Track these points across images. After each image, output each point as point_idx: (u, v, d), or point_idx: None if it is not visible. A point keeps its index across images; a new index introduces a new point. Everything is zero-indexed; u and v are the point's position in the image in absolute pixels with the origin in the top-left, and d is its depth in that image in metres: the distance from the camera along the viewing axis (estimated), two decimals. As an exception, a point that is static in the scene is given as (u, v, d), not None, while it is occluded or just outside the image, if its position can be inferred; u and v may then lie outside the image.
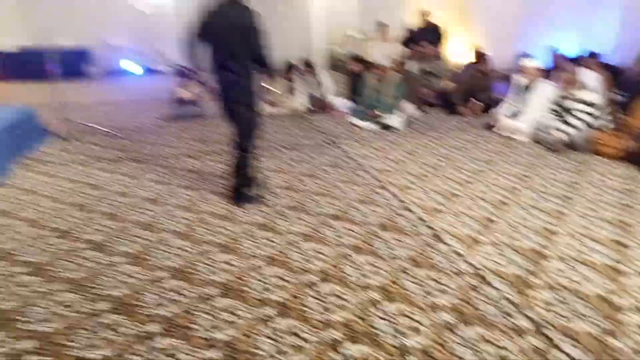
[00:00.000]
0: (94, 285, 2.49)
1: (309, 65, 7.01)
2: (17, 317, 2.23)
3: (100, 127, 5.85)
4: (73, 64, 10.78)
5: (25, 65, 10.45)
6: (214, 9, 3.22)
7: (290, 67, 7.07)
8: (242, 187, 3.52)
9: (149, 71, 11.93)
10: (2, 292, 2.44)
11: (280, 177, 4.14)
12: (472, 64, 6.77)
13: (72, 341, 2.06)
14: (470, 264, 2.63)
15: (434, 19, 8.17)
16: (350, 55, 7.94)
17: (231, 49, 3.20)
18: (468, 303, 2.27)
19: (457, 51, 8.98)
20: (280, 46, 12.54)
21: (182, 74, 6.82)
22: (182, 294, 2.39)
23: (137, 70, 11.82)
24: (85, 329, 2.14)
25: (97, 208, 3.52)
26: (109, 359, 1.95)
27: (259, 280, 2.51)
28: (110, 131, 5.75)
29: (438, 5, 8.72)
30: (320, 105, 6.81)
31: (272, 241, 2.95)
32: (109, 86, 10.13)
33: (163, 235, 3.05)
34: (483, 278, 2.49)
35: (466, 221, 3.19)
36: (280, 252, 2.81)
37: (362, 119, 5.93)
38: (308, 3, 10.92)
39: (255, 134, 3.47)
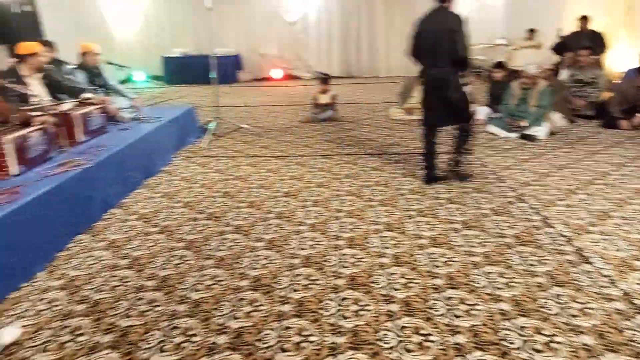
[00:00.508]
0: (236, 265, 2.76)
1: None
2: (176, 284, 2.57)
3: (247, 126, 6.40)
4: (227, 70, 11.98)
5: (187, 70, 11.89)
6: (425, 16, 3.83)
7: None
8: (454, 168, 4.14)
9: (291, 77, 12.71)
10: (164, 262, 2.83)
11: (410, 182, 4.13)
12: (637, 73, 6.02)
13: (217, 309, 2.31)
14: (621, 289, 2.36)
15: (593, 25, 7.44)
16: (492, 62, 7.58)
17: (439, 50, 3.72)
18: (615, 329, 2.05)
19: (619, 59, 8.05)
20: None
21: (323, 79, 7.15)
22: (313, 281, 2.53)
23: (280, 75, 12.66)
24: (228, 301, 2.38)
25: (241, 197, 3.87)
26: (247, 330, 2.15)
27: (337, 258, 2.57)
28: (256, 130, 6.27)
29: (599, 10, 7.93)
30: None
31: (399, 241, 2.97)
32: (256, 90, 10.99)
33: (299, 228, 3.26)
34: (633, 304, 2.22)
35: (619, 243, 2.87)
36: (406, 252, 2.82)
37: (502, 127, 5.64)
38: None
39: (470, 115, 4.02)
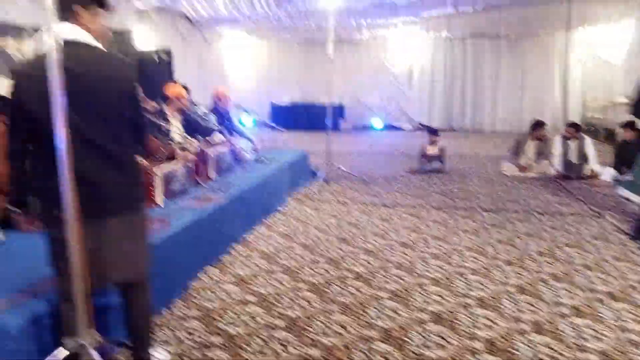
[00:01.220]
0: (362, 313, 2.71)
1: (575, 128, 6.52)
2: (305, 326, 2.58)
3: (354, 174, 6.49)
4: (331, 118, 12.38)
5: (294, 117, 12.47)
6: None
7: (537, 126, 6.74)
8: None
9: (391, 127, 12.81)
10: (291, 303, 2.86)
11: (536, 243, 3.88)
12: None
13: (349, 358, 2.27)
14: None
15: None
16: (621, 122, 7.08)
17: None
18: None
19: None
20: (528, 103, 11.91)
21: (432, 131, 7.10)
22: (447, 342, 2.41)
23: (380, 125, 12.81)
24: (360, 351, 2.33)
25: (357, 244, 3.86)
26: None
27: (469, 318, 2.41)
28: (364, 178, 6.33)
29: None
30: (577, 172, 6.22)
31: (536, 306, 2.76)
32: (358, 139, 11.18)
33: (422, 281, 3.16)
34: None
35: None
36: (546, 319, 2.60)
37: (636, 192, 5.16)
38: (567, 63, 10.25)
39: None
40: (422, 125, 12.63)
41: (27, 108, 1.70)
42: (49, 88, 1.60)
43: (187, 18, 10.19)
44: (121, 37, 7.33)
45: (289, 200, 5.23)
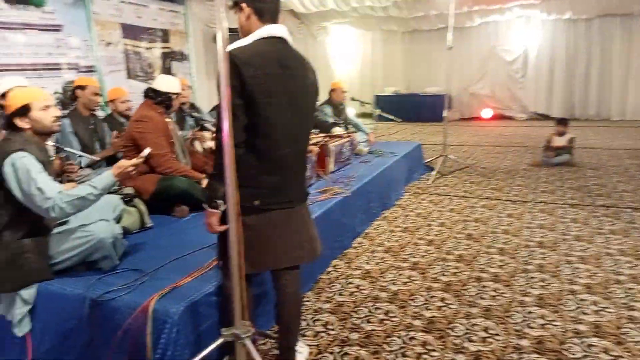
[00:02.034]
0: (508, 319, 2.48)
1: None
2: (446, 329, 2.42)
3: (472, 167, 6.13)
4: (435, 109, 11.94)
5: (398, 108, 12.18)
6: None
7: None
8: None
9: (501, 117, 12.01)
10: (425, 302, 2.71)
11: None
12: None
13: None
14: None
15: None
16: None
17: None
18: None
19: None
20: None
21: (561, 121, 6.48)
22: (612, 357, 2.11)
23: (489, 115, 12.07)
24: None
25: (487, 242, 3.60)
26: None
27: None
28: (482, 171, 5.96)
29: None
30: None
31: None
32: (467, 130, 10.64)
33: (572, 287, 2.84)
34: None
35: None
36: None
37: None
38: None
39: None
40: (538, 114, 11.69)
41: (251, 95, 1.67)
42: (271, 79, 1.70)
43: (294, 13, 10.37)
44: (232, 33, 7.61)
45: (405, 193, 5.06)
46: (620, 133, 9.00)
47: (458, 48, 12.13)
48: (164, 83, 3.29)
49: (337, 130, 4.67)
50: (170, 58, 6.91)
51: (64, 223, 2.26)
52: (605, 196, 4.72)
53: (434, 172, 5.73)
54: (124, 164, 2.12)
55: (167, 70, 6.86)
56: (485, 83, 12.04)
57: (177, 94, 3.34)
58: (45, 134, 2.18)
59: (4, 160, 1.98)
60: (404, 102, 12.12)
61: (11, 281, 2.01)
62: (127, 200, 2.67)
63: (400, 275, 3.07)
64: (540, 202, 4.60)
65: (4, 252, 2.02)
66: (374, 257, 3.38)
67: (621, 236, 3.61)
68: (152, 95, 3.26)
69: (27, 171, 1.96)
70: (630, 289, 2.77)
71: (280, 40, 1.79)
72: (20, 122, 2.12)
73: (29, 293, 2.03)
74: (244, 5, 1.78)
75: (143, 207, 2.74)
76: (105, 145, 3.85)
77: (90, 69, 5.59)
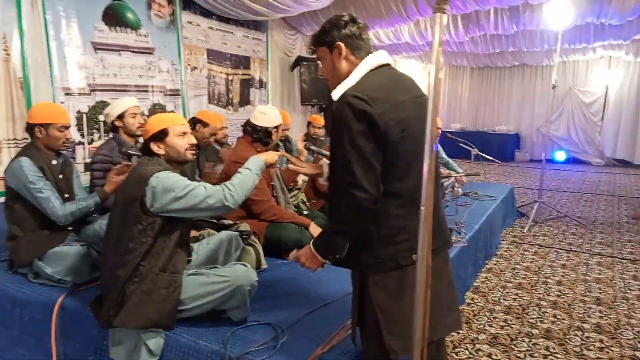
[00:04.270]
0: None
1: None
2: None
3: (569, 216, 5.63)
4: (504, 149, 11.43)
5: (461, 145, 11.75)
6: None
7: None
8: None
9: (575, 161, 11.34)
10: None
11: None
12: None
13: None
14: None
15: None
16: None
17: None
18: None
19: None
20: None
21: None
22: None
23: (563, 158, 11.43)
24: None
25: (622, 309, 3.13)
26: None
27: None
28: (580, 221, 5.46)
29: None
30: None
31: None
32: (539, 173, 10.03)
33: None
34: None
35: None
36: None
37: None
38: None
39: None
40: (617, 160, 10.96)
41: (384, 133, 1.44)
42: (401, 109, 1.48)
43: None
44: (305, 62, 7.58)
45: (502, 242, 4.63)
46: None
47: (532, 86, 11.74)
48: (262, 116, 2.96)
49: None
50: (250, 85, 6.85)
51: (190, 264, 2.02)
52: None
53: (529, 220, 5.27)
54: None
55: (245, 97, 6.79)
56: (560, 124, 11.45)
57: (277, 127, 3.05)
58: (178, 162, 1.98)
59: (148, 181, 1.78)
60: (471, 139, 11.65)
61: (143, 317, 1.76)
62: (245, 237, 2.43)
63: (535, 345, 2.66)
64: (665, 263, 4.07)
65: (140, 284, 1.79)
66: (496, 318, 2.98)
67: None
68: (250, 130, 2.99)
69: (181, 183, 1.83)
70: None
71: (388, 66, 1.61)
72: (156, 147, 1.93)
73: (155, 343, 1.78)
74: (340, 44, 1.57)
75: (260, 247, 2.49)
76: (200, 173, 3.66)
77: (175, 92, 5.56)
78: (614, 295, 3.39)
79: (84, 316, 1.95)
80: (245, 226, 2.57)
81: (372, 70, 1.55)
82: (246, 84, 6.78)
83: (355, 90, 1.46)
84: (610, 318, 3.01)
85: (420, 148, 1.48)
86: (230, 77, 6.46)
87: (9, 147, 3.98)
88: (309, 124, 5.05)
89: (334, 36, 1.57)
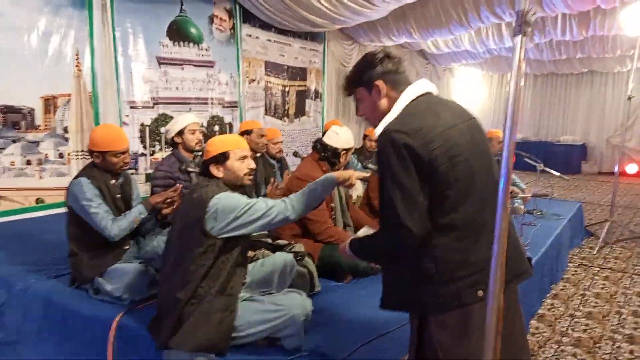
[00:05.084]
0: None
1: None
2: None
3: (643, 236, 5.23)
4: (570, 160, 10.83)
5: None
6: None
7: None
8: None
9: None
10: None
11: None
12: None
13: None
14: None
15: None
16: None
17: None
18: None
19: None
20: None
21: None
22: None
23: (634, 171, 10.66)
24: None
25: None
26: None
27: None
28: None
29: None
30: None
31: None
32: (608, 186, 9.41)
33: None
34: None
35: None
36: None
37: None
38: None
39: None
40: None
41: (432, 165, 1.37)
42: (448, 135, 1.42)
43: (423, 53, 10.07)
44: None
45: (569, 264, 4.35)
46: None
47: (601, 94, 11.07)
48: (334, 136, 2.93)
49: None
50: (306, 96, 6.88)
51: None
52: None
53: (599, 240, 4.92)
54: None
55: (301, 108, 6.82)
56: (632, 135, 10.71)
57: (348, 150, 3.01)
58: (235, 185, 1.97)
59: (208, 203, 1.79)
60: (533, 150, 11.14)
61: (198, 339, 1.76)
62: (299, 258, 2.40)
63: (609, 384, 2.45)
64: None
65: (198, 306, 1.80)
66: (564, 352, 2.78)
67: None
68: (319, 148, 2.96)
69: (242, 201, 1.83)
70: None
71: (430, 94, 1.54)
72: (215, 170, 1.94)
73: (209, 368, 1.77)
74: (379, 82, 1.52)
75: (314, 269, 2.45)
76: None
77: (233, 105, 5.67)
78: (700, 331, 3.08)
79: (141, 336, 1.98)
80: (299, 247, 2.53)
81: (412, 101, 1.50)
82: (302, 95, 6.82)
83: (396, 124, 1.42)
84: (696, 358, 2.73)
85: (475, 175, 1.44)
86: (286, 89, 6.51)
87: (77, 159, 4.20)
88: (364, 137, 4.97)
89: (371, 75, 1.53)
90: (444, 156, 1.37)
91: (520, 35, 1.16)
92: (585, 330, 3.05)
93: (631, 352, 2.79)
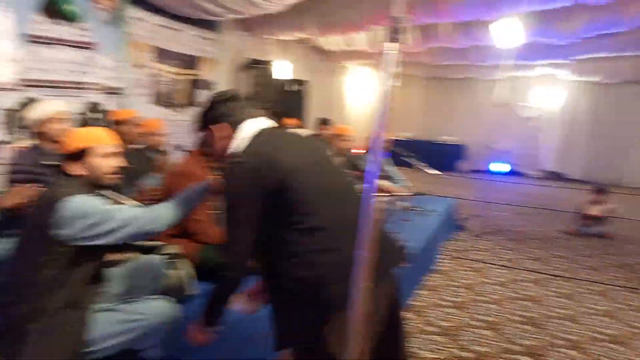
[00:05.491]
0: None
1: None
2: None
3: (504, 230, 5.82)
4: (447, 159, 11.73)
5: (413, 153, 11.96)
6: None
7: None
8: None
9: (513, 173, 11.84)
10: None
11: None
12: None
13: None
14: None
15: None
16: None
17: None
18: None
19: None
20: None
21: (598, 189, 6.23)
22: None
23: (504, 170, 11.88)
24: None
25: (551, 331, 3.24)
26: None
27: None
28: (516, 236, 5.65)
29: None
30: None
31: None
32: (480, 184, 10.37)
33: None
34: None
35: None
36: None
37: None
38: None
39: None
40: (553, 173, 11.54)
41: (282, 184, 1.53)
42: (287, 154, 1.59)
43: (319, 50, 10.22)
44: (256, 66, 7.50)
45: (441, 257, 4.71)
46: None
47: (478, 100, 12.11)
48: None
49: (384, 184, 4.34)
50: (197, 86, 6.63)
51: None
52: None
53: (464, 233, 5.40)
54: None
55: (192, 98, 6.57)
56: (503, 137, 11.89)
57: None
58: (97, 185, 1.81)
59: (58, 206, 1.62)
60: (418, 148, 11.90)
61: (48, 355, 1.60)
62: (171, 260, 2.28)
63: (466, 368, 2.70)
64: (590, 280, 4.27)
65: (40, 322, 1.62)
66: (429, 341, 3.00)
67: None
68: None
69: (99, 209, 1.69)
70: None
71: (270, 128, 1.67)
72: (72, 168, 1.76)
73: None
74: (223, 124, 1.64)
75: (191, 271, 2.35)
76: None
77: (116, 91, 5.28)
78: (544, 314, 3.49)
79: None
80: (172, 248, 2.42)
81: (255, 135, 1.59)
82: (193, 84, 6.56)
83: (241, 154, 1.54)
84: (539, 339, 3.10)
85: (316, 183, 1.54)
86: (176, 77, 6.22)
87: None
88: (335, 137, 4.45)
89: (214, 116, 1.65)
90: (287, 172, 1.49)
91: (391, 42, 1.19)
92: (450, 320, 3.32)
93: (484, 336, 3.09)
